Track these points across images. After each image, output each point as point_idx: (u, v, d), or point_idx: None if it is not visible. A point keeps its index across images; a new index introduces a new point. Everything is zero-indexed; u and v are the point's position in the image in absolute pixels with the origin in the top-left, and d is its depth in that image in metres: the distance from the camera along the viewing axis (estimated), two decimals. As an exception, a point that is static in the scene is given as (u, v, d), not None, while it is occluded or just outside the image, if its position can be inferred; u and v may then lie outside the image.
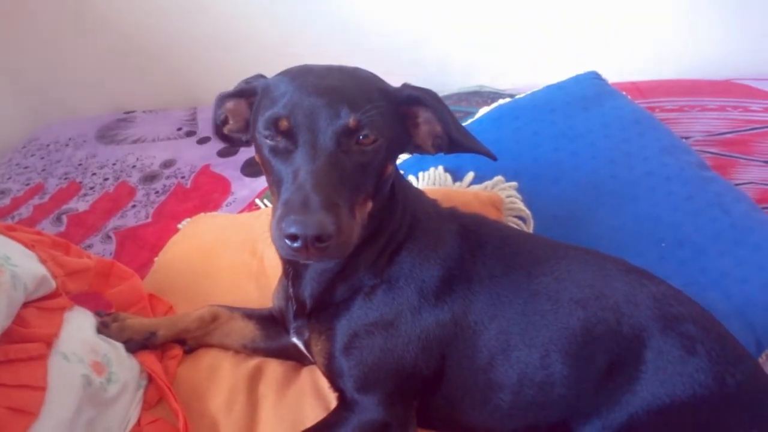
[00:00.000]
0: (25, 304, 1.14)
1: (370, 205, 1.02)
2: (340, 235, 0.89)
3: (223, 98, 1.13)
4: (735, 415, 1.02)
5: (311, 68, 1.04)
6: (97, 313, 1.33)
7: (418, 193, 1.24)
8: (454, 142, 1.05)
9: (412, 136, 1.07)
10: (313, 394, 1.25)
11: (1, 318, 1.06)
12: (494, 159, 1.08)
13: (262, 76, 1.09)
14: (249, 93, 1.09)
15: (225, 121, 1.16)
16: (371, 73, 1.07)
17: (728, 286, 1.42)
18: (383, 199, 1.09)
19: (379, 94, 1.00)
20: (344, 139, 0.94)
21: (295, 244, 0.87)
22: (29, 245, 1.26)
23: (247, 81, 1.11)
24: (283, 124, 0.95)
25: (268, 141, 0.98)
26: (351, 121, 0.93)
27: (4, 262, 1.12)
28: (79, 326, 1.24)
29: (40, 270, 1.20)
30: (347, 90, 0.97)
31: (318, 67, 1.05)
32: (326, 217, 0.87)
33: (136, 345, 1.29)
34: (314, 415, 1.20)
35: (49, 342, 1.13)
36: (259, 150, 1.02)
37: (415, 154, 1.40)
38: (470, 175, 1.59)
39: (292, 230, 0.86)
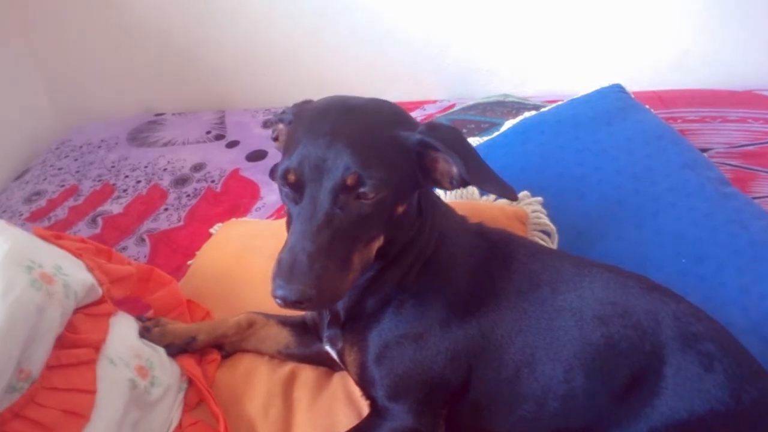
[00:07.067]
0: (74, 311, 1.19)
1: (380, 241, 1.06)
2: (322, 294, 0.95)
3: (273, 120, 1.21)
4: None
5: (331, 109, 1.05)
6: (139, 318, 1.39)
7: (447, 210, 1.27)
8: (469, 182, 1.06)
9: (431, 170, 1.08)
10: (345, 399, 1.30)
11: (55, 326, 1.11)
12: (514, 199, 1.11)
13: (307, 101, 1.13)
14: (286, 121, 1.15)
15: (277, 138, 1.22)
16: (393, 112, 1.08)
17: (746, 301, 1.44)
18: (408, 223, 1.13)
19: (390, 142, 1.01)
20: (343, 195, 0.98)
21: (280, 302, 0.96)
22: (76, 254, 1.30)
23: (285, 110, 1.16)
24: (291, 177, 1.00)
25: (282, 188, 1.04)
26: (349, 179, 0.96)
27: (57, 272, 1.17)
28: (123, 331, 1.29)
29: (89, 278, 1.25)
30: (356, 141, 0.98)
31: (338, 107, 1.06)
32: (308, 282, 0.93)
33: (177, 349, 1.35)
34: (346, 420, 1.25)
35: (97, 347, 1.19)
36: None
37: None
38: (497, 190, 1.61)
39: (277, 293, 0.95)
